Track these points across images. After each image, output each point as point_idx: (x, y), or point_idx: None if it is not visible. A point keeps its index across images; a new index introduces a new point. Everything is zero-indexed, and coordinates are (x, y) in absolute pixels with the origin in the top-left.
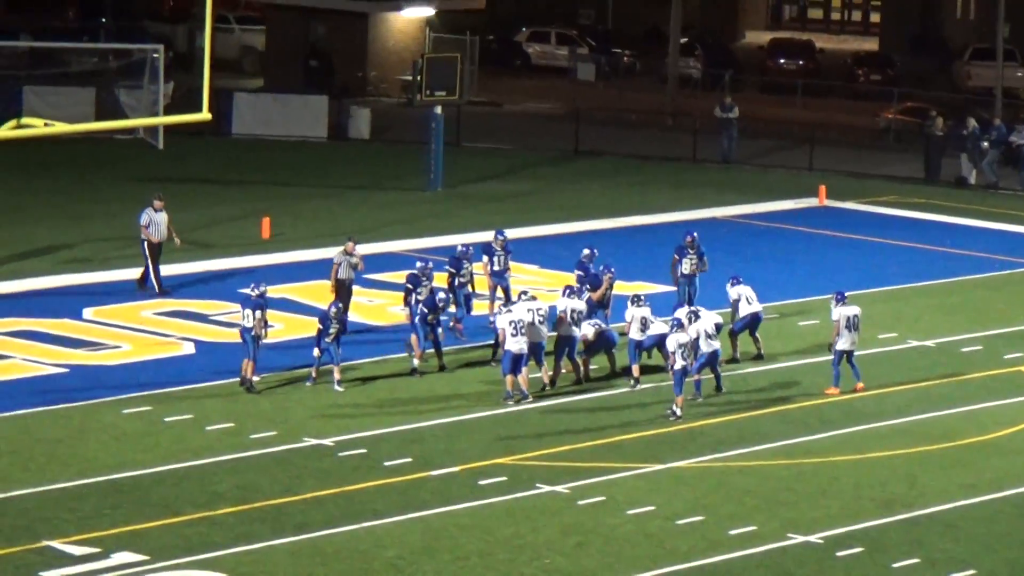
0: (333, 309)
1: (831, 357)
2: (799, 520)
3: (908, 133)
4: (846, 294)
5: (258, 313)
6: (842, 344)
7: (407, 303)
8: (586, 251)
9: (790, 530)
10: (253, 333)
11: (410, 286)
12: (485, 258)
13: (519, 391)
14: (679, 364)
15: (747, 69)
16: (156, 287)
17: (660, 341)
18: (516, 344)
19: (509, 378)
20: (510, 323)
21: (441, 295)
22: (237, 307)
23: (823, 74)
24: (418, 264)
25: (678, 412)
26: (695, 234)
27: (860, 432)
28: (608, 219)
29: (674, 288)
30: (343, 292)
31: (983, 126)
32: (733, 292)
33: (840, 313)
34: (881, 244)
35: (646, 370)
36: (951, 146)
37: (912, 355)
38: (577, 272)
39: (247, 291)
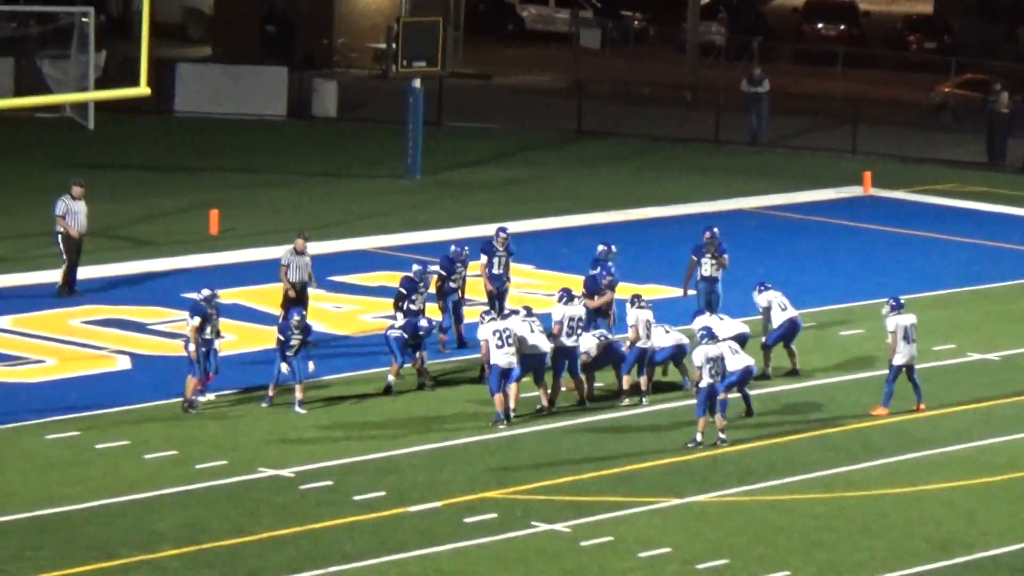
0: (296, 317)
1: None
2: (840, 564)
3: (968, 110)
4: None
5: (196, 320)
6: (900, 359)
7: (398, 308)
8: (601, 247)
9: (829, 575)
10: (192, 343)
11: (404, 291)
12: (484, 258)
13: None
14: (706, 381)
15: (779, 35)
16: (60, 285)
17: (676, 354)
18: (504, 357)
19: (498, 397)
20: (494, 332)
21: (423, 322)
22: (182, 315)
23: (868, 41)
24: (415, 267)
25: (699, 438)
26: (715, 230)
27: (911, 461)
28: (617, 211)
29: (691, 292)
30: (298, 297)
31: None
32: (762, 299)
33: (896, 323)
34: (936, 240)
35: (659, 387)
36: (1018, 125)
37: (973, 370)
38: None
39: (195, 295)
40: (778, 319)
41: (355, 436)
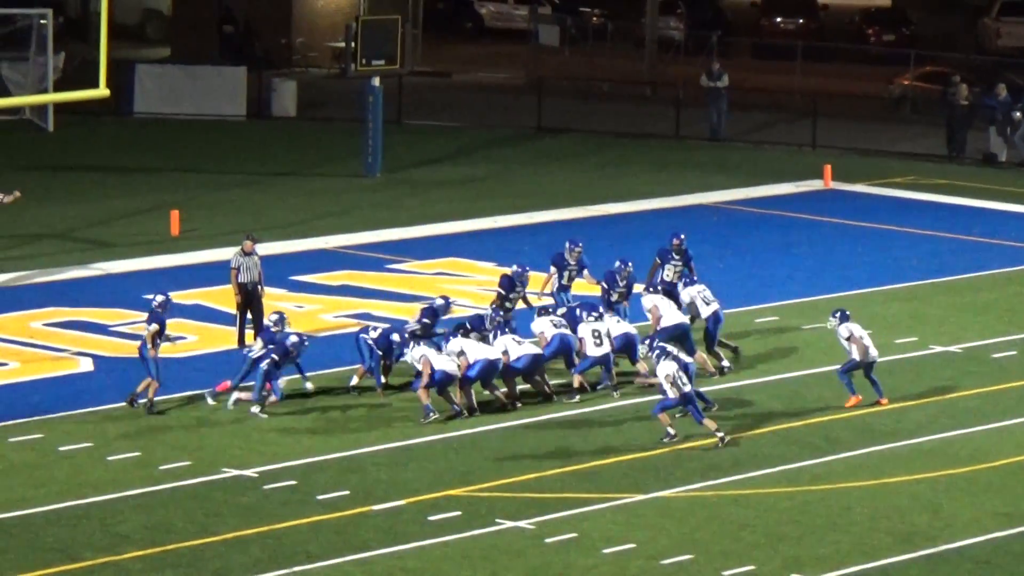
0: (295, 339)
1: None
2: (804, 558)
3: (927, 103)
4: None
5: (153, 326)
6: (861, 356)
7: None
8: (618, 263)
9: (794, 570)
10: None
11: (502, 290)
12: (553, 269)
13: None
14: (673, 394)
15: (738, 30)
16: None
17: (627, 344)
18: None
19: (423, 392)
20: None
21: (395, 337)
22: (142, 316)
23: (827, 35)
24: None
25: (672, 432)
26: (683, 236)
27: (875, 454)
28: (576, 207)
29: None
30: (248, 299)
31: (1015, 94)
32: (685, 295)
33: (848, 329)
34: (897, 233)
35: (622, 384)
36: (978, 117)
37: (936, 362)
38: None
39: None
40: (704, 312)
41: (318, 436)
